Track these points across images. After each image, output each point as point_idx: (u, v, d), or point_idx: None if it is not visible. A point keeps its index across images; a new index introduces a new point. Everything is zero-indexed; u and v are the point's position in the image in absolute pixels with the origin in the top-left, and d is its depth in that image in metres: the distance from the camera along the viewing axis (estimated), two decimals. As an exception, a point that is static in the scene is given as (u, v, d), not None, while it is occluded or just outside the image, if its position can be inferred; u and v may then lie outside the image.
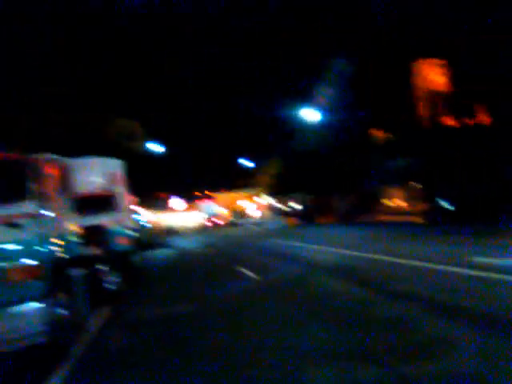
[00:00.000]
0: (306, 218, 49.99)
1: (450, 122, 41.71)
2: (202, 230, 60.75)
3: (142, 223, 30.57)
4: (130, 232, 14.56)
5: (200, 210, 73.61)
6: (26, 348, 5.42)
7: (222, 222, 71.07)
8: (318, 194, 50.20)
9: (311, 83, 42.09)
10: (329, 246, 17.63)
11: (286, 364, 5.10)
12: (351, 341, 5.69)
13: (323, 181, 47.14)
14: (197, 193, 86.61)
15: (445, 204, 25.50)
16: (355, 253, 14.58)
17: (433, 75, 51.38)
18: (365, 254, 13.90)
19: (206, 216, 70.93)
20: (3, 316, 5.23)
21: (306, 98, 40.46)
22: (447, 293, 7.68)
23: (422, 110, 50.99)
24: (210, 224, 68.15)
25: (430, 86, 51.60)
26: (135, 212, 24.80)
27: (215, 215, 72.79)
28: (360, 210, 41.94)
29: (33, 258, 5.59)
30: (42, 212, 6.51)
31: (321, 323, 6.63)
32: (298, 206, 56.57)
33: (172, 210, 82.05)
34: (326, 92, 38.82)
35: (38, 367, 5.86)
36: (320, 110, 37.79)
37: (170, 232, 52.98)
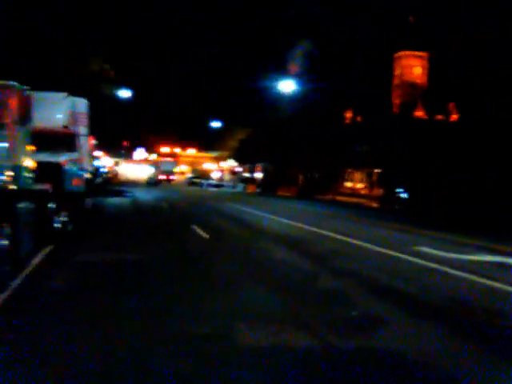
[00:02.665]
0: (266, 187, 50.31)
1: (420, 114, 42.33)
2: (158, 183, 60.22)
3: (99, 168, 30.03)
4: (86, 174, 14.33)
5: (159, 165, 73.17)
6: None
7: (175, 178, 71.45)
8: (281, 166, 50.51)
9: (287, 59, 41.95)
10: (282, 217, 17.89)
11: (219, 321, 5.22)
12: (287, 307, 5.88)
13: (289, 153, 47.45)
14: (161, 147, 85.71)
15: (401, 192, 26.16)
16: (306, 226, 14.87)
17: (412, 67, 51.81)
18: (315, 229, 14.20)
19: (164, 170, 70.74)
20: None
21: (283, 71, 40.38)
22: (385, 274, 8.00)
23: (396, 98, 51.54)
24: (164, 178, 68.13)
25: (408, 77, 52.07)
26: (94, 156, 24.34)
27: (172, 172, 72.79)
28: (320, 187, 42.53)
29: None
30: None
31: (260, 287, 6.81)
32: (261, 175, 56.81)
33: (133, 160, 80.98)
34: (299, 68, 38.73)
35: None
36: (294, 84, 37.75)
37: (128, 181, 52.26)
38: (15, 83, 7.55)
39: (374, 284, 7.34)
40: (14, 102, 7.30)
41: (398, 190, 26.94)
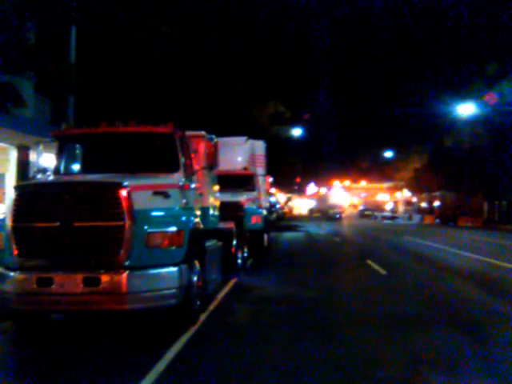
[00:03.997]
0: (445, 218, 47.12)
1: None
2: (329, 217, 60.12)
3: (274, 205, 31.44)
4: (264, 212, 15.10)
5: (329, 198, 73.64)
6: (158, 308, 5.90)
7: (347, 211, 70.69)
8: (462, 195, 46.85)
9: (474, 79, 38.89)
10: (465, 251, 16.56)
11: (401, 364, 4.99)
12: (478, 355, 5.33)
13: (472, 181, 43.74)
14: (333, 181, 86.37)
15: None
16: (494, 261, 13.56)
17: None
18: (505, 264, 12.90)
19: (334, 204, 70.80)
20: (143, 276, 5.76)
21: (462, 93, 37.55)
22: None
23: None
24: (336, 211, 67.75)
25: None
26: (270, 193, 25.60)
27: (342, 204, 72.46)
28: (509, 216, 38.41)
29: (175, 226, 6.10)
30: (189, 184, 7.08)
31: (446, 330, 6.33)
32: (439, 205, 53.43)
33: (305, 195, 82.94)
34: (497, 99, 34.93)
35: (167, 328, 6.35)
36: (479, 105, 34.45)
37: (300, 216, 53.50)
38: (204, 132, 8.40)
39: None
40: (203, 150, 8.11)
41: None
